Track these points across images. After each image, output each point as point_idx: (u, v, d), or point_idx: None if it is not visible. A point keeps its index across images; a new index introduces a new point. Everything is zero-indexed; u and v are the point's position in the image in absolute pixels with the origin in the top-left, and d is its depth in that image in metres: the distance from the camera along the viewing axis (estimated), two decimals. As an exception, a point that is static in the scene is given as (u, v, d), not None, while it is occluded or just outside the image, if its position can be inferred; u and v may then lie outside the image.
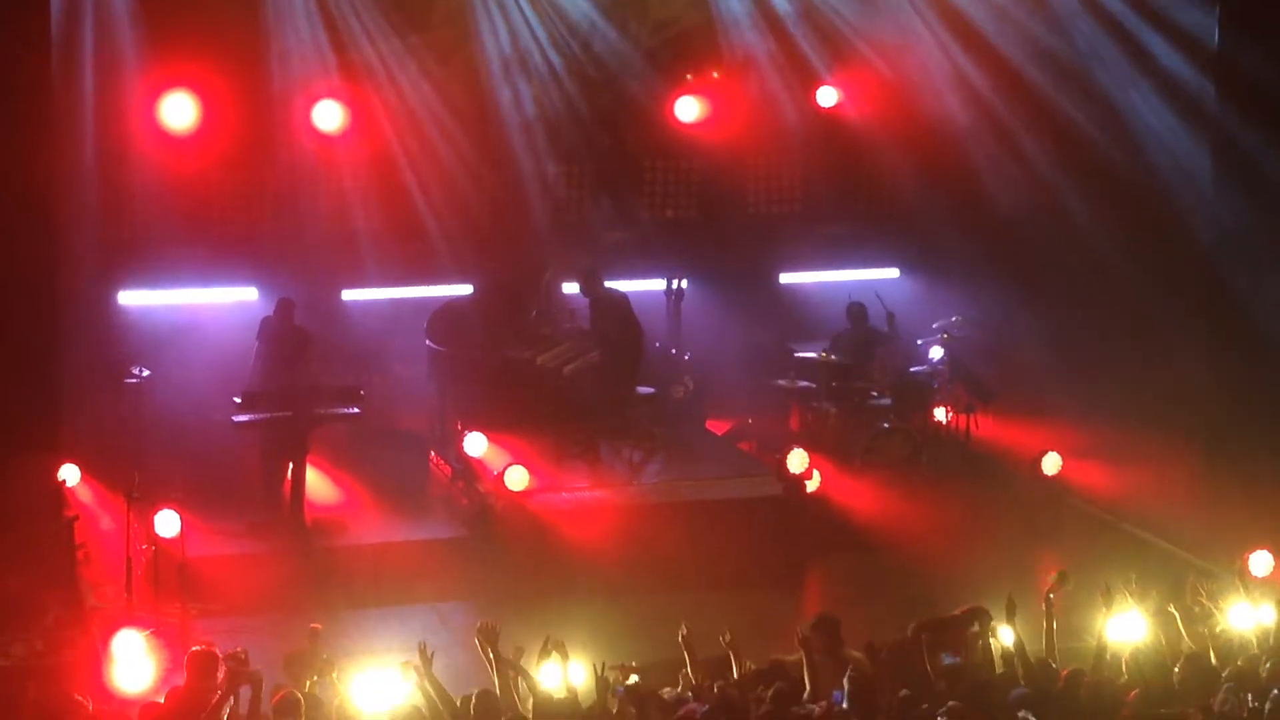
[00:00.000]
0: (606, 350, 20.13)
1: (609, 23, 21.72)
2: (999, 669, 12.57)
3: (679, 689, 12.24)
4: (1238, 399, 20.13)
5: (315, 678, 12.53)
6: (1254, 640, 13.10)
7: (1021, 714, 11.60)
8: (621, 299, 20.35)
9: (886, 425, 20.80)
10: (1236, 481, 18.90)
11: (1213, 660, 12.74)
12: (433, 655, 11.89)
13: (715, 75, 22.46)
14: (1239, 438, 19.79)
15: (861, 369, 21.32)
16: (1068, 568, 13.57)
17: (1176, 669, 12.39)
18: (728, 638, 12.74)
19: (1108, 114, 21.54)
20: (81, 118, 19.33)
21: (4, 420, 16.00)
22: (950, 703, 11.58)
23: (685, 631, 12.63)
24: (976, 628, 12.89)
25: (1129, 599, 13.10)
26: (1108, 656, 12.65)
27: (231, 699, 12.03)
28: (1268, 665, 12.36)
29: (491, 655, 12.03)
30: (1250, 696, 11.95)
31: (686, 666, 12.40)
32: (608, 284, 20.42)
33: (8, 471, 15.96)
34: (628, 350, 20.24)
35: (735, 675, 12.52)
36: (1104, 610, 12.96)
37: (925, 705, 11.79)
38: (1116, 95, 21.40)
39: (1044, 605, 12.92)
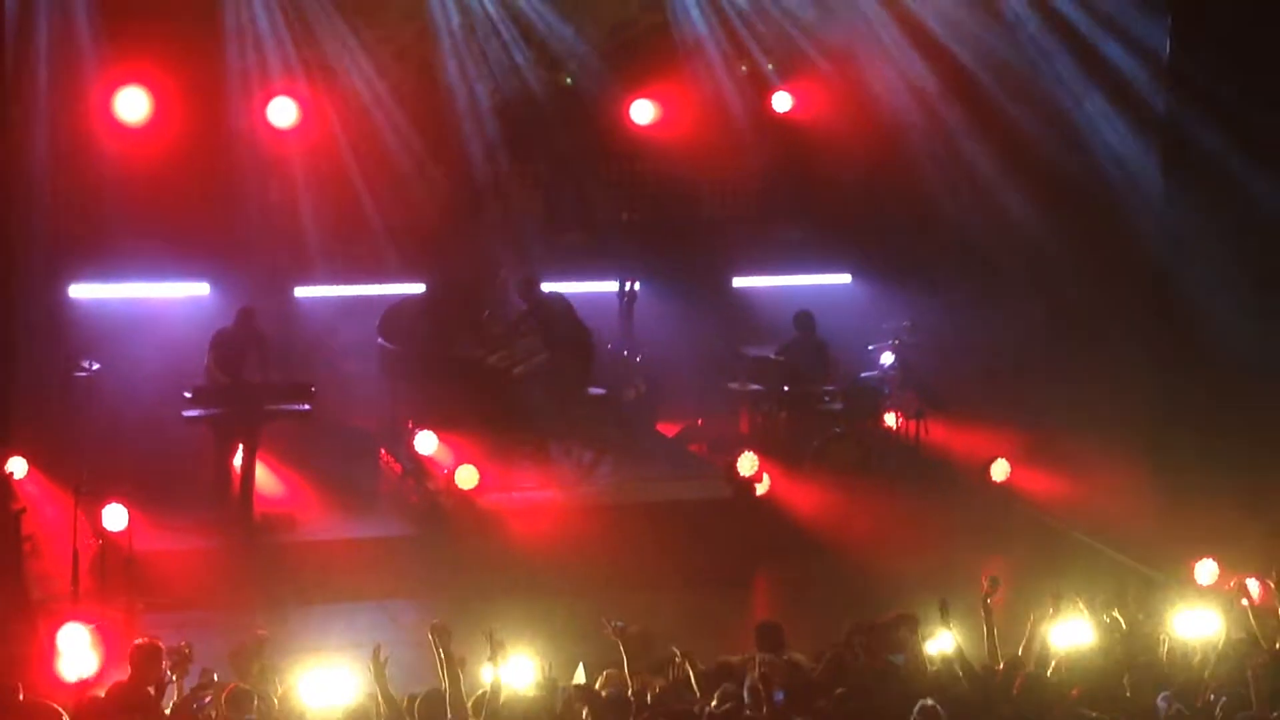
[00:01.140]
0: (553, 353, 20.18)
1: (565, 24, 21.74)
2: (936, 669, 12.58)
3: (619, 688, 12.20)
4: (1185, 406, 20.19)
5: (259, 672, 12.51)
6: (1198, 648, 13.16)
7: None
8: (561, 302, 20.44)
9: (837, 429, 20.90)
10: (1184, 488, 18.97)
11: (1161, 668, 12.79)
12: (386, 660, 11.84)
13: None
14: (1186, 445, 19.84)
15: (812, 374, 21.38)
16: (1007, 572, 13.62)
17: (1125, 677, 12.43)
18: (678, 657, 12.68)
19: (1057, 120, 21.58)
20: (35, 111, 19.26)
21: (-49, 412, 15.93)
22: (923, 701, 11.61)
23: (618, 625, 12.56)
24: (906, 632, 12.93)
25: (1077, 606, 13.15)
26: (1050, 661, 12.69)
27: (174, 691, 12.03)
28: (1210, 672, 12.45)
29: (443, 655, 12.00)
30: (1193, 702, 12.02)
31: (624, 664, 12.37)
32: (549, 288, 20.58)
33: (-46, 464, 15.90)
34: (576, 352, 20.30)
35: (675, 676, 12.48)
36: (1050, 616, 13.00)
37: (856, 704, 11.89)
38: (1066, 101, 21.45)
39: (982, 611, 12.94)
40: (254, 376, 18.92)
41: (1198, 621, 13.27)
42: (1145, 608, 13.81)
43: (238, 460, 18.44)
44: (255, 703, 11.77)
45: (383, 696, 11.70)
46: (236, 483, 18.43)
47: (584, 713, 11.71)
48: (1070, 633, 12.87)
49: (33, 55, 19.17)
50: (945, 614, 12.76)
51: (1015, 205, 21.87)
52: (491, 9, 21.35)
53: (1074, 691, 12.15)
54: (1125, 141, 20.89)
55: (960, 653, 12.57)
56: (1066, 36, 21.12)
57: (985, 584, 13.10)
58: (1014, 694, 12.02)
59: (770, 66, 22.50)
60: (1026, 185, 21.75)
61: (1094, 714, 11.82)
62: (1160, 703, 11.91)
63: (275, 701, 12.07)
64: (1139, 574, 17.26)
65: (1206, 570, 15.18)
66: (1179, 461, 19.77)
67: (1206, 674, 12.43)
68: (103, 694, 12.45)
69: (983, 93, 21.86)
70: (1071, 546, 19.17)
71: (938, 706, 11.35)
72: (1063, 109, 21.50)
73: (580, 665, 12.82)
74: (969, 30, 21.70)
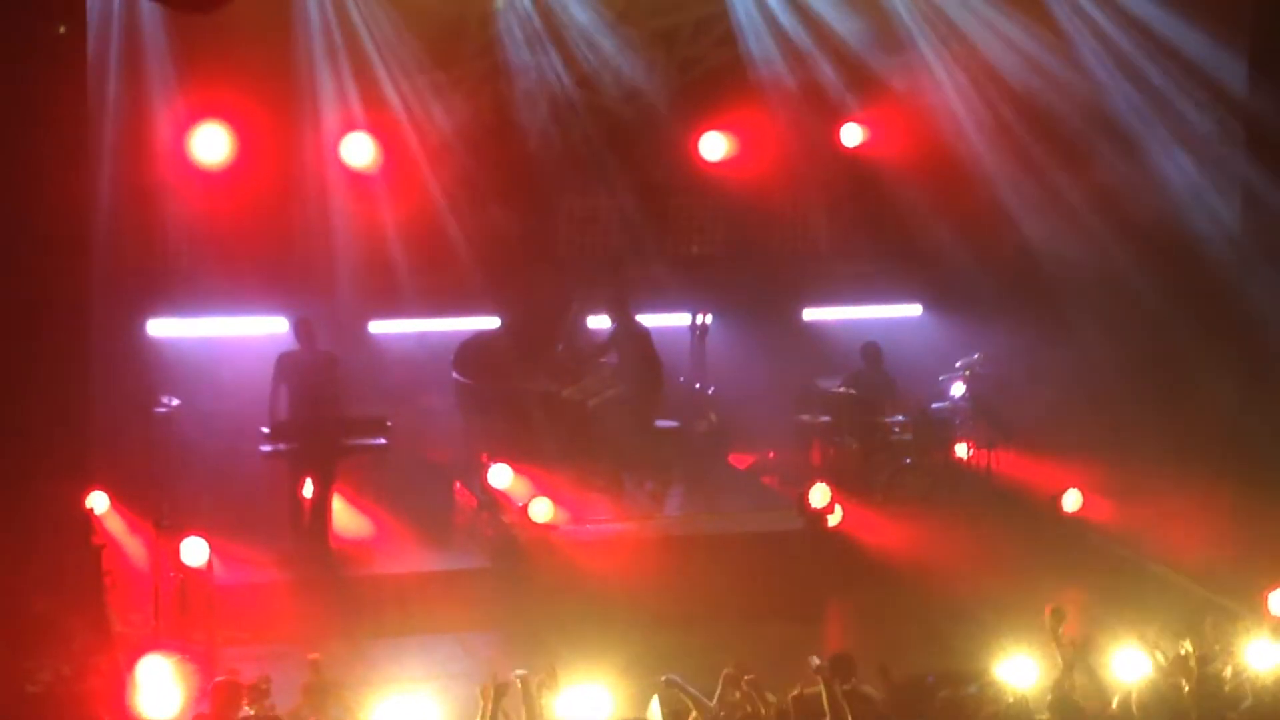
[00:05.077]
0: (629, 385, 20.28)
1: (637, 60, 21.84)
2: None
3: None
4: (1264, 435, 20.14)
5: (334, 706, 12.66)
6: (1272, 680, 13.10)
7: None
8: (644, 333, 20.54)
9: (908, 461, 20.94)
10: (1263, 518, 18.90)
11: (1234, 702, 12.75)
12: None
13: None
14: (1265, 475, 19.79)
15: (878, 405, 21.44)
16: (1082, 604, 13.58)
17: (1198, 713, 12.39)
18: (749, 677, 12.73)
19: (1130, 149, 21.59)
20: (114, 148, 19.48)
21: (33, 447, 16.01)
22: None
23: (730, 671, 12.58)
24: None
25: (1144, 638, 13.12)
26: (1118, 695, 12.66)
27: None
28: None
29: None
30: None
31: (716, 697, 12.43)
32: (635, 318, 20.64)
33: (36, 498, 15.94)
34: (647, 384, 20.40)
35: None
36: (1116, 648, 12.98)
37: None
38: (1139, 129, 21.45)
39: (1055, 645, 12.87)
40: (330, 406, 19.09)
41: (1271, 653, 13.23)
42: (1220, 639, 13.76)
43: (315, 495, 18.59)
44: None
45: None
46: (313, 516, 18.59)
47: None
48: (1136, 666, 12.84)
49: (113, 92, 19.39)
50: (1057, 624, 12.71)
51: (1088, 234, 21.85)
52: (563, 46, 21.44)
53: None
54: (1198, 171, 20.87)
55: (1049, 690, 12.54)
56: (1138, 67, 21.11)
57: (1048, 616, 13.05)
58: None
59: (839, 101, 22.50)
60: (1099, 214, 21.74)
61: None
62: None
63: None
64: (1215, 605, 17.17)
65: (1280, 600, 15.11)
66: (1258, 489, 19.69)
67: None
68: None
69: (1054, 123, 21.86)
70: (1146, 577, 19.09)
71: None
72: (1135, 137, 21.50)
73: (655, 699, 12.89)
74: (1037, 63, 21.68)
